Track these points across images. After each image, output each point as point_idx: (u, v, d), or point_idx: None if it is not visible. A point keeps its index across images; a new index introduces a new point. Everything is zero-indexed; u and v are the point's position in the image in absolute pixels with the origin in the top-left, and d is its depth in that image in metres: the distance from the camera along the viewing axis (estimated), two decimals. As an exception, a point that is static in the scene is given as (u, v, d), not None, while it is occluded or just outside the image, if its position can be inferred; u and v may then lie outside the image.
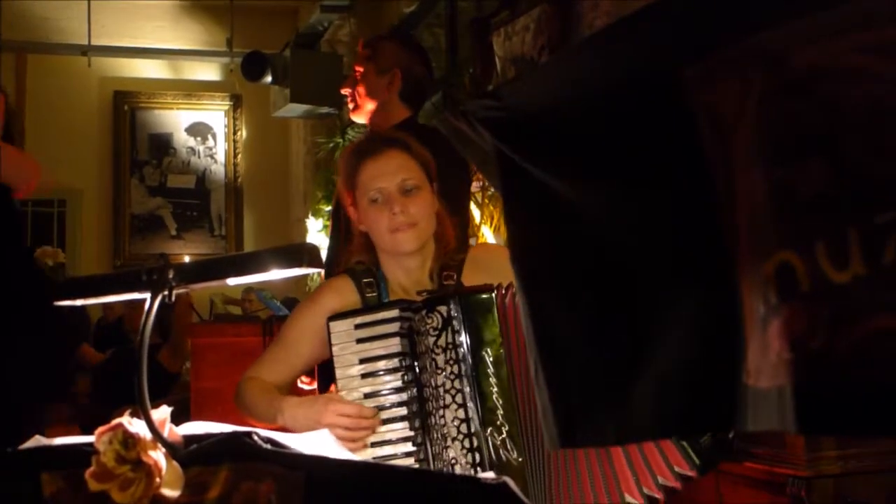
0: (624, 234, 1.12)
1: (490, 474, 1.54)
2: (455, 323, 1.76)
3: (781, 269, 0.89)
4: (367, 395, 1.82)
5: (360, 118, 3.28)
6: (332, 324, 1.85)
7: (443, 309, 1.77)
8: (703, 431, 1.64)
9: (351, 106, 3.27)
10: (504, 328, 1.75)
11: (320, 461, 1.17)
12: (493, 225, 3.53)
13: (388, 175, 2.02)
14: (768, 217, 0.92)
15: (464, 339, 1.75)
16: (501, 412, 1.72)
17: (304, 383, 2.84)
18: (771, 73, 0.92)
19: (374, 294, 2.04)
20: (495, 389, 1.73)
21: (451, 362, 1.75)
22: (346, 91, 3.27)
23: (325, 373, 1.92)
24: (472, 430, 1.72)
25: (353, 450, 1.76)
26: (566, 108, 1.14)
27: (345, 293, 2.05)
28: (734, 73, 0.95)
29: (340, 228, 2.44)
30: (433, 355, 1.77)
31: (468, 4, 5.09)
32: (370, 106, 3.18)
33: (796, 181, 0.89)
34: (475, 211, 3.64)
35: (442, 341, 1.76)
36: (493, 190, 3.17)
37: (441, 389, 1.75)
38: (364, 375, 1.82)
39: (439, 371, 1.76)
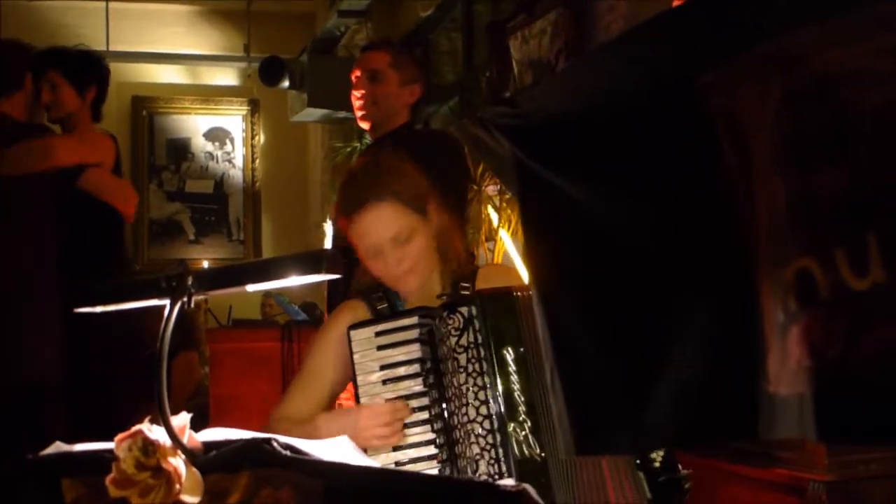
0: (642, 240, 1.12)
1: (510, 481, 1.54)
2: (476, 322, 1.78)
3: (801, 276, 0.89)
4: (388, 401, 1.84)
5: (366, 124, 3.22)
6: (352, 332, 1.87)
7: (464, 310, 1.80)
8: (722, 438, 1.63)
9: (361, 112, 3.17)
10: (524, 327, 1.77)
11: (339, 468, 1.17)
12: (511, 229, 3.51)
13: (377, 232, 1.96)
14: (788, 223, 0.92)
15: (485, 337, 1.78)
16: (523, 409, 1.75)
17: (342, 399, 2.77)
18: (789, 78, 0.91)
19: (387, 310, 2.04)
20: (517, 387, 1.76)
21: (473, 360, 1.78)
22: (360, 92, 3.17)
23: None
24: (496, 426, 1.75)
25: (390, 443, 1.80)
26: (583, 114, 1.14)
27: (359, 314, 2.03)
28: (753, 78, 0.95)
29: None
30: (455, 355, 1.79)
31: (484, 8, 5.09)
32: (381, 110, 3.11)
33: (815, 187, 0.89)
34: (493, 214, 3.63)
35: (464, 340, 1.79)
36: (510, 194, 3.16)
37: (464, 388, 1.78)
38: (385, 381, 1.85)
39: (461, 370, 1.78)
